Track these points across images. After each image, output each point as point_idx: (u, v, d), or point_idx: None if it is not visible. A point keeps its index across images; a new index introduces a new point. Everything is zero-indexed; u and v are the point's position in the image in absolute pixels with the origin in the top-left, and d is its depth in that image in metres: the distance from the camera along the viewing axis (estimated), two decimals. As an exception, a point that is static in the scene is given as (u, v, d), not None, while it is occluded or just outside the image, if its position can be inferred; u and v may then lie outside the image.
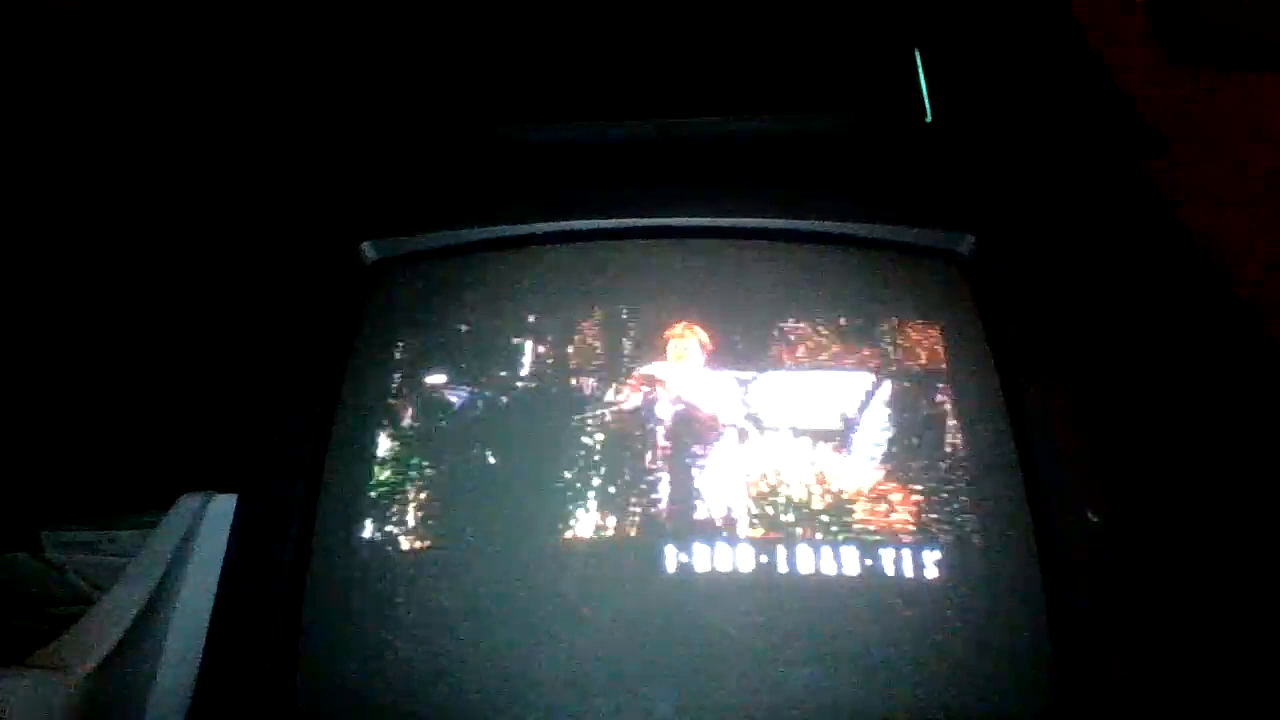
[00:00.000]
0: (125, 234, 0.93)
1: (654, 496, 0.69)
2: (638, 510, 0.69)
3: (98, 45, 0.97)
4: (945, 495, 0.69)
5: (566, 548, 0.68)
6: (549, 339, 0.75)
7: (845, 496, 0.69)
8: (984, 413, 0.71)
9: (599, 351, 0.74)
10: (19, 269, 0.91)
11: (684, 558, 0.67)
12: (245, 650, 0.66)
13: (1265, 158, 0.90)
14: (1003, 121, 0.91)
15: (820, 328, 0.74)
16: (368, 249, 0.79)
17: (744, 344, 0.74)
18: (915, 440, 0.71)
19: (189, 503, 0.74)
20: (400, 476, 0.71)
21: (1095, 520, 0.67)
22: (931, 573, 0.66)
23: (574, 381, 0.73)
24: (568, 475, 0.70)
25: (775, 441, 0.71)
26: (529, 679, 0.64)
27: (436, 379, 0.74)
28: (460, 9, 0.98)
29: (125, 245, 0.92)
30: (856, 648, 0.64)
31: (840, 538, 0.67)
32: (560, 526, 0.69)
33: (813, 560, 0.67)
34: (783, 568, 0.67)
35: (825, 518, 0.68)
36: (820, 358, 0.73)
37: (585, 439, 0.71)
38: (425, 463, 0.71)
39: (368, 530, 0.69)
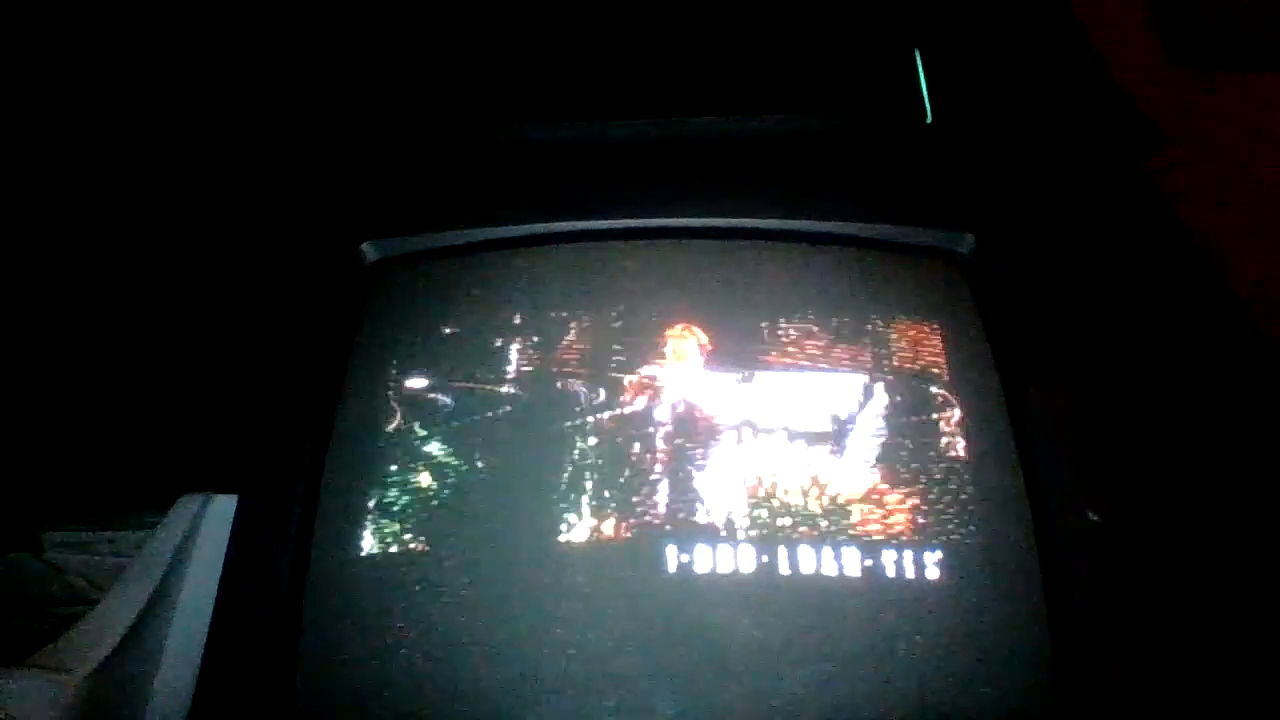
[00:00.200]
0: (125, 234, 0.93)
1: (655, 498, 0.69)
2: (639, 512, 0.69)
3: (98, 45, 0.97)
4: (944, 495, 0.69)
5: (567, 548, 0.68)
6: (549, 339, 0.75)
7: (845, 497, 0.69)
8: (984, 413, 0.71)
9: (599, 352, 0.74)
10: (19, 269, 0.91)
11: (685, 558, 0.67)
12: (245, 650, 0.66)
13: (1265, 157, 0.91)
14: (1003, 121, 0.91)
15: (820, 328, 0.74)
16: (368, 249, 0.79)
17: (743, 344, 0.74)
18: (915, 441, 0.71)
19: (189, 503, 0.74)
20: (400, 477, 0.71)
21: (1095, 520, 0.67)
22: (932, 573, 0.66)
23: (573, 382, 0.73)
24: (568, 476, 0.70)
25: (775, 442, 0.71)
26: (530, 680, 0.64)
27: (436, 379, 0.74)
28: (459, 9, 0.98)
29: (125, 245, 0.92)
30: (857, 648, 0.64)
31: (841, 538, 0.67)
32: (561, 527, 0.69)
33: (814, 561, 0.67)
34: (784, 569, 0.67)
35: (825, 518, 0.68)
36: (820, 358, 0.73)
37: (585, 440, 0.71)
38: (425, 463, 0.71)
39: (368, 531, 0.69)
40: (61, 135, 0.96)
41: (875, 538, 0.67)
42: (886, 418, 0.71)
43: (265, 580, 0.67)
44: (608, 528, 0.69)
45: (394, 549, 0.69)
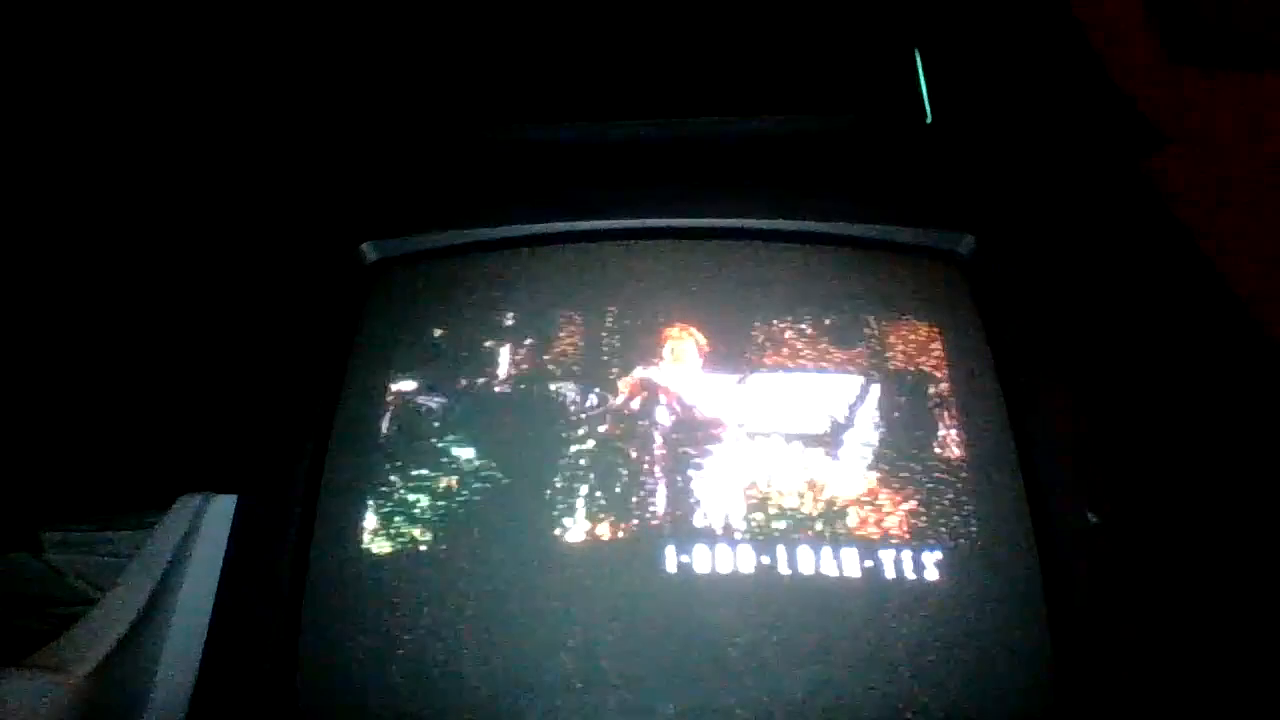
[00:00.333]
0: (125, 234, 0.93)
1: (654, 499, 0.69)
2: (638, 513, 0.69)
3: (98, 45, 0.97)
4: (944, 496, 0.69)
5: (567, 548, 0.68)
6: (548, 340, 0.75)
7: (844, 498, 0.69)
8: (984, 413, 0.71)
9: (598, 353, 0.74)
10: (19, 269, 0.91)
11: (684, 559, 0.67)
12: (245, 650, 0.66)
13: (1265, 157, 0.90)
14: (1002, 122, 0.91)
15: (820, 329, 0.74)
16: (368, 249, 0.79)
17: (743, 346, 0.74)
18: (915, 441, 0.71)
19: (188, 503, 0.74)
20: (400, 477, 0.71)
21: (1095, 521, 0.67)
22: (932, 574, 0.66)
23: (573, 383, 0.73)
24: (568, 476, 0.70)
25: (774, 444, 0.71)
26: (529, 680, 0.64)
27: (436, 379, 0.74)
28: (459, 10, 0.98)
29: (125, 245, 0.92)
30: (857, 649, 0.64)
31: (841, 539, 0.67)
32: (561, 527, 0.68)
33: (813, 562, 0.67)
34: (783, 569, 0.67)
35: (824, 519, 0.68)
36: (818, 359, 0.73)
37: (585, 441, 0.71)
38: (425, 463, 0.71)
39: (368, 531, 0.69)
40: (62, 136, 0.96)
41: (875, 538, 0.67)
42: (887, 418, 0.71)
43: (265, 580, 0.67)
44: (607, 528, 0.69)
45: (393, 549, 0.69)
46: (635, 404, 0.72)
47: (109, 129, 0.96)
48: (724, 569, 0.67)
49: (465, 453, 0.71)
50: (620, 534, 0.68)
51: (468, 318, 0.76)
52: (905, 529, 0.68)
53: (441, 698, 0.64)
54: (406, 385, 0.74)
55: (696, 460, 0.70)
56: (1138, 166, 0.92)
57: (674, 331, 0.75)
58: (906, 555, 0.67)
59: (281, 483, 0.70)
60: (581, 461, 0.71)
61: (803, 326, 0.74)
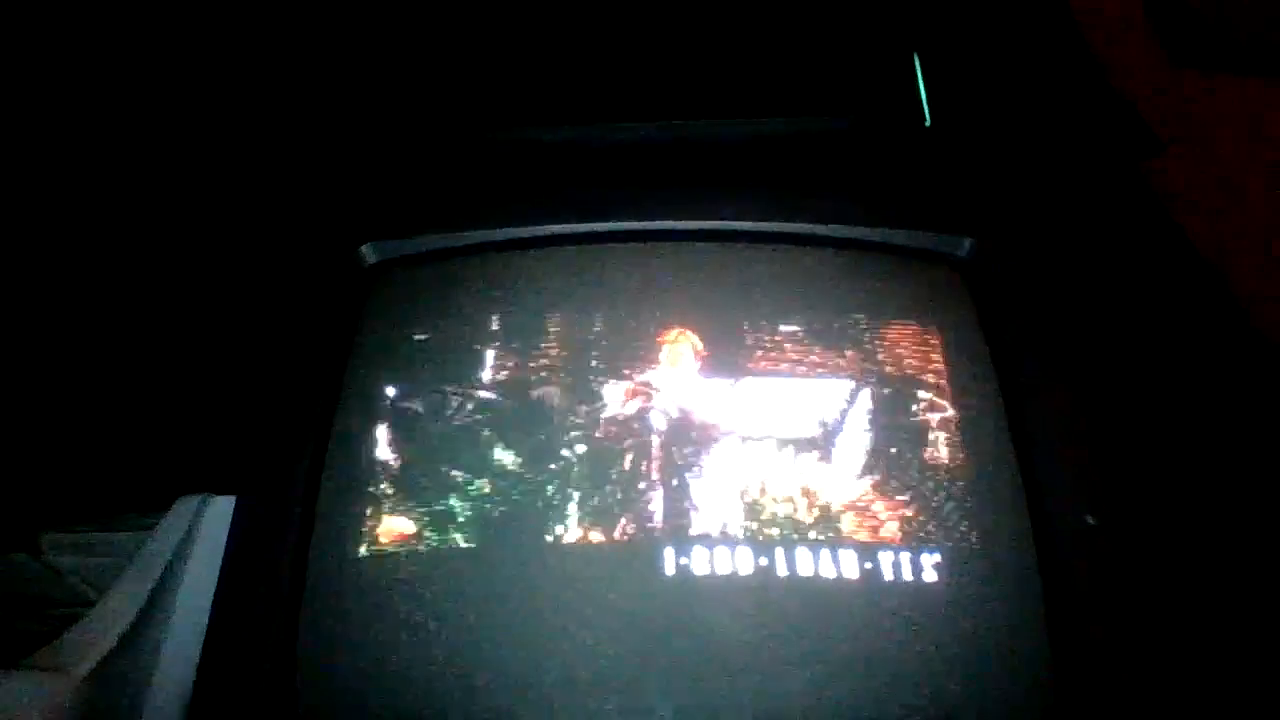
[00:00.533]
0: (125, 235, 0.93)
1: (652, 502, 0.69)
2: (637, 515, 0.69)
3: (98, 45, 0.98)
4: (943, 498, 0.69)
5: (567, 550, 0.68)
6: (547, 343, 0.75)
7: (844, 501, 0.69)
8: (983, 416, 0.71)
9: (597, 355, 0.74)
10: (19, 269, 0.91)
11: (684, 561, 0.67)
12: (244, 650, 0.66)
13: (1265, 160, 0.90)
14: (1002, 125, 0.91)
15: (818, 332, 0.74)
16: (367, 251, 0.79)
17: (739, 349, 0.74)
18: (914, 444, 0.71)
19: (187, 504, 0.74)
20: (399, 478, 0.71)
21: (1094, 523, 0.67)
22: (931, 576, 0.66)
23: (571, 386, 0.73)
24: (567, 478, 0.70)
25: (772, 447, 0.71)
26: (529, 681, 0.64)
27: (436, 381, 0.74)
28: (458, 11, 0.98)
29: (125, 246, 0.92)
30: (857, 650, 0.64)
31: (839, 541, 0.67)
32: (560, 529, 0.69)
33: (812, 564, 0.67)
34: (782, 571, 0.67)
35: (824, 522, 0.68)
36: (817, 362, 0.73)
37: (584, 443, 0.71)
38: (423, 465, 0.71)
39: (366, 532, 0.69)
40: (62, 136, 0.96)
41: (875, 541, 0.68)
42: (885, 421, 0.72)
43: (264, 580, 0.67)
44: (607, 530, 0.69)
45: (392, 550, 0.69)
46: (633, 407, 0.72)
47: (109, 130, 0.96)
48: (723, 571, 0.67)
49: (464, 454, 0.71)
50: (620, 535, 0.69)
51: (467, 320, 0.76)
52: (905, 531, 0.68)
53: (440, 698, 0.64)
54: (406, 387, 0.74)
55: (695, 464, 0.70)
56: (1137, 169, 0.92)
57: (671, 335, 0.75)
58: (906, 557, 0.67)
59: (281, 484, 0.70)
60: (580, 464, 0.71)
61: (801, 330, 0.74)
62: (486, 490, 0.70)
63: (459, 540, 0.69)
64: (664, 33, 0.95)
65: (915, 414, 0.72)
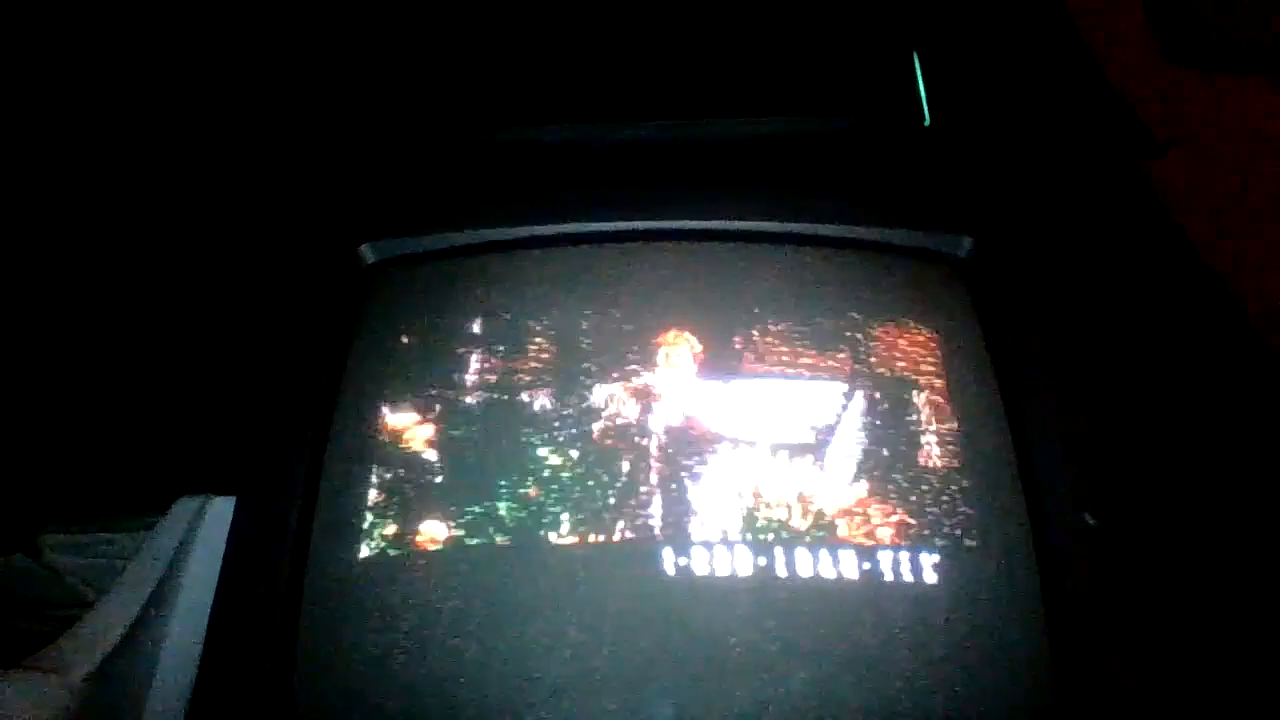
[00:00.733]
0: (124, 235, 0.93)
1: (651, 504, 0.69)
2: (635, 516, 0.69)
3: (98, 45, 0.98)
4: (942, 499, 0.69)
5: (566, 551, 0.68)
6: (545, 342, 0.75)
7: (843, 502, 0.69)
8: (982, 416, 0.71)
9: (595, 356, 0.74)
10: (18, 269, 0.91)
11: (682, 563, 0.67)
12: (243, 651, 0.66)
13: (1264, 161, 0.91)
14: (1001, 125, 0.91)
15: (817, 332, 0.74)
16: (366, 251, 0.79)
17: (739, 350, 0.74)
18: (913, 444, 0.71)
19: (187, 505, 0.74)
20: (398, 479, 0.71)
21: (1093, 523, 0.67)
22: (930, 576, 0.66)
23: (570, 386, 0.73)
24: (567, 479, 0.70)
25: (770, 448, 0.71)
26: (528, 682, 0.64)
27: (435, 381, 0.74)
28: (458, 11, 0.98)
29: (124, 246, 0.93)
30: (856, 651, 0.64)
31: (839, 542, 0.67)
32: (560, 530, 0.69)
33: (811, 565, 0.67)
34: (781, 572, 0.67)
35: (824, 523, 0.68)
36: (816, 363, 0.73)
37: (583, 444, 0.71)
38: (423, 465, 0.71)
39: (366, 532, 0.69)
40: (61, 136, 0.96)
41: (875, 541, 0.67)
42: (884, 421, 0.71)
43: (263, 581, 0.67)
44: (607, 531, 0.69)
45: (391, 551, 0.69)
46: (631, 408, 0.72)
47: (109, 130, 0.96)
48: (723, 573, 0.67)
49: (463, 455, 0.71)
50: (619, 536, 0.68)
51: (466, 320, 0.76)
52: (904, 532, 0.68)
53: (440, 699, 0.64)
54: (405, 387, 0.74)
55: (694, 465, 0.70)
56: (1136, 169, 0.92)
57: (669, 336, 0.75)
58: (905, 557, 0.67)
59: (280, 484, 0.70)
60: (580, 465, 0.71)
61: (800, 330, 0.74)
62: (486, 490, 0.70)
63: (458, 540, 0.69)
64: (663, 32, 0.95)
65: (915, 414, 0.72)
